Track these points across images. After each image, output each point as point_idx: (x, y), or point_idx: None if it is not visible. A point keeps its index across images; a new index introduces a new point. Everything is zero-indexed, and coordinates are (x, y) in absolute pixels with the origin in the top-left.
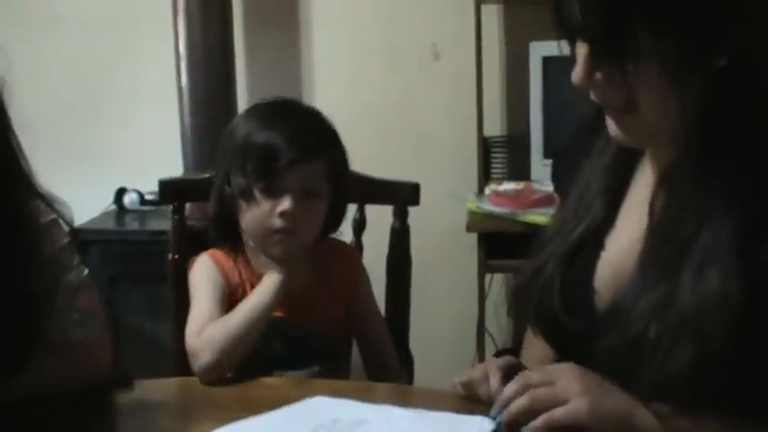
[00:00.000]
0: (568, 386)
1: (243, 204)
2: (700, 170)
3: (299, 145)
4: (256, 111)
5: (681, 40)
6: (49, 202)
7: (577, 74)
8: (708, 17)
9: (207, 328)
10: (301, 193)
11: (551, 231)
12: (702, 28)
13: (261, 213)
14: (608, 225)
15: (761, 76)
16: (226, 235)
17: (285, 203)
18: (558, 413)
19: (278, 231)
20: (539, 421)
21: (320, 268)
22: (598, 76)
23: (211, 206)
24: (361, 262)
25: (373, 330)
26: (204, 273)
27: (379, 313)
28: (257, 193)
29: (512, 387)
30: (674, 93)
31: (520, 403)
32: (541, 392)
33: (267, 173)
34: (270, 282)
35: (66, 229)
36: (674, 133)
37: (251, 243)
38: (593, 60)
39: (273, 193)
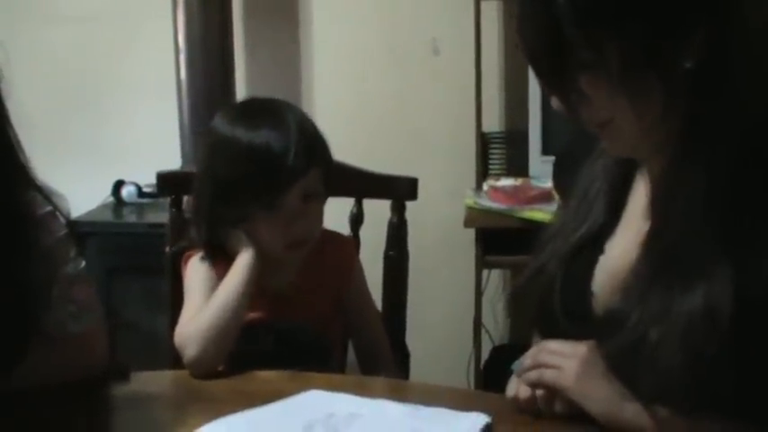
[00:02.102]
0: (571, 370)
1: (245, 230)
2: (678, 180)
3: (295, 162)
4: (236, 120)
5: (624, 49)
6: (46, 194)
7: (555, 100)
8: (645, 27)
9: (190, 323)
10: (303, 201)
11: (552, 231)
12: (640, 38)
13: (269, 232)
14: (609, 229)
15: (734, 76)
16: (220, 253)
17: (292, 217)
18: (548, 374)
19: (291, 245)
20: (532, 375)
21: (313, 259)
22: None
23: (200, 232)
24: (355, 252)
25: (367, 321)
26: (198, 270)
27: (373, 304)
28: (260, 215)
29: (527, 362)
30: (640, 100)
31: (530, 377)
32: (549, 374)
33: (268, 195)
34: (241, 261)
35: (63, 221)
36: (658, 141)
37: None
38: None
39: (277, 209)
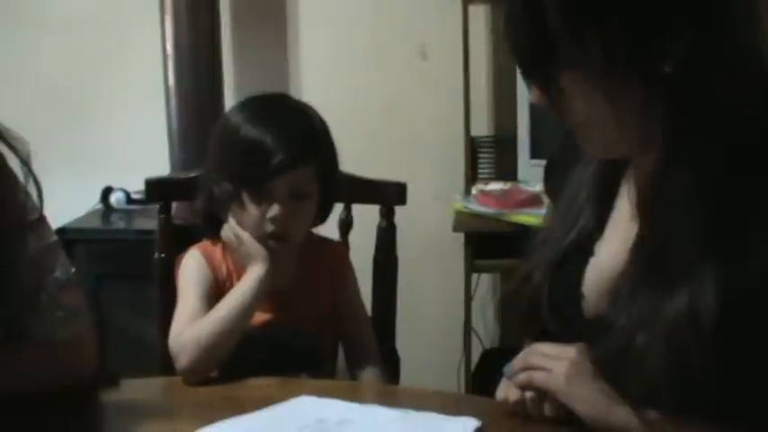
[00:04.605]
0: (560, 372)
1: (232, 207)
2: (663, 183)
3: (286, 152)
4: (246, 110)
5: (607, 48)
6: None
7: (534, 94)
8: (629, 26)
9: (188, 329)
10: (290, 197)
11: (541, 238)
12: (624, 38)
13: (250, 218)
14: (597, 232)
15: (719, 81)
16: (213, 228)
17: (274, 210)
18: (538, 376)
19: (269, 236)
20: (522, 377)
21: (307, 265)
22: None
23: (199, 201)
24: (348, 258)
25: (358, 326)
26: (192, 269)
27: (363, 309)
28: (245, 199)
29: (517, 364)
30: (619, 101)
31: (520, 379)
32: (538, 376)
33: (254, 179)
34: (251, 277)
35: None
36: (643, 144)
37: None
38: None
39: (261, 198)
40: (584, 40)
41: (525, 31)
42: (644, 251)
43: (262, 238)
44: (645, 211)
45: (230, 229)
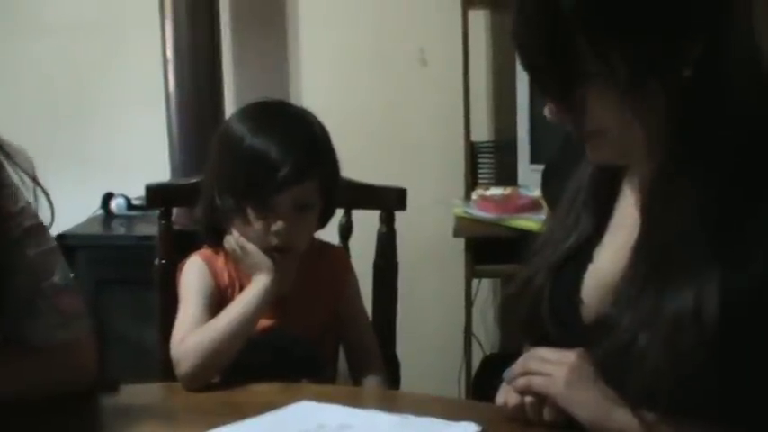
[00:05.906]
0: (559, 377)
1: (235, 220)
2: (669, 185)
3: (291, 166)
4: (247, 121)
5: (631, 59)
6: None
7: (549, 109)
8: (656, 33)
9: (190, 336)
10: (294, 210)
11: (541, 242)
12: (649, 44)
13: (254, 232)
14: (596, 237)
15: (728, 82)
16: (214, 236)
17: (279, 224)
18: (537, 381)
19: (274, 249)
20: (521, 382)
21: (308, 270)
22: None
23: (200, 210)
24: (348, 262)
25: (359, 330)
26: (194, 275)
27: (365, 313)
28: (249, 213)
29: (517, 369)
30: (642, 109)
31: (519, 383)
32: (537, 381)
33: (259, 194)
34: (256, 287)
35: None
36: (648, 148)
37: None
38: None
39: (266, 212)
40: (609, 54)
41: (543, 46)
42: (647, 250)
43: (266, 251)
44: (649, 211)
45: (234, 240)
